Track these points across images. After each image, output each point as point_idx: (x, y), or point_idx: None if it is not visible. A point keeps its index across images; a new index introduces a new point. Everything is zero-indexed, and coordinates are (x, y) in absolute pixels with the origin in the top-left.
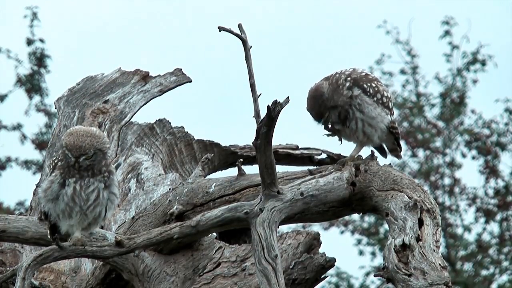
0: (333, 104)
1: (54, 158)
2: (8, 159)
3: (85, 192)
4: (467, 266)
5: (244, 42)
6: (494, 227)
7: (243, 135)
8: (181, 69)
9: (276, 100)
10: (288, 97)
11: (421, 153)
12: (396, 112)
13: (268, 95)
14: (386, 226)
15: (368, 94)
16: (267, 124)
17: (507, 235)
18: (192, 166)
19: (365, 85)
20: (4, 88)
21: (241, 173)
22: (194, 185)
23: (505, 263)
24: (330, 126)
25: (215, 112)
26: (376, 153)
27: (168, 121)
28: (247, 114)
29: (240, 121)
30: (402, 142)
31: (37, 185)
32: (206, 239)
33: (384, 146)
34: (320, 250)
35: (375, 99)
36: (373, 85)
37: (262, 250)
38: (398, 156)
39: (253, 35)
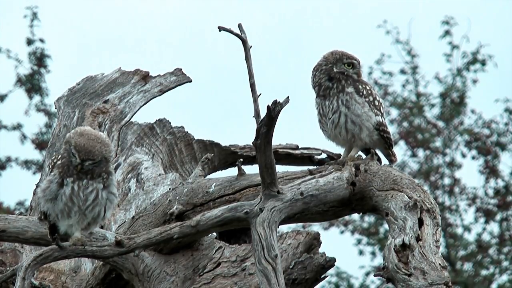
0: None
1: (53, 158)
2: (8, 159)
3: (83, 193)
4: (467, 266)
5: (244, 42)
6: (494, 227)
7: (243, 135)
8: (181, 69)
9: (276, 100)
10: (288, 97)
11: (421, 153)
12: (396, 112)
13: (268, 95)
14: (386, 226)
15: (360, 94)
16: (267, 124)
17: (507, 235)
18: (192, 166)
19: (360, 86)
20: (4, 88)
21: (241, 173)
22: (194, 185)
23: (505, 263)
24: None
25: (215, 112)
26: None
27: (168, 121)
28: (247, 114)
29: (240, 121)
30: (402, 142)
31: (37, 185)
32: (206, 239)
33: (378, 151)
34: (320, 250)
35: (366, 100)
36: (367, 87)
37: (262, 250)
38: (392, 161)
39: (253, 35)
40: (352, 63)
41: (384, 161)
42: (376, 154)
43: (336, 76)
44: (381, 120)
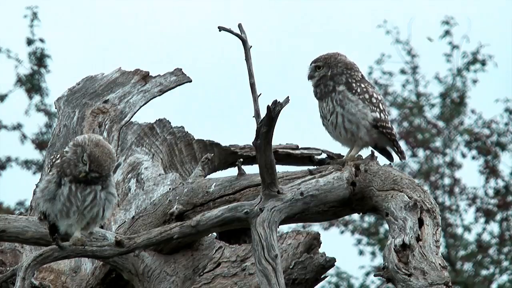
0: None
1: (52, 157)
2: (8, 159)
3: (81, 194)
4: (467, 266)
5: (244, 42)
6: (494, 227)
7: (243, 135)
8: (181, 69)
9: (276, 100)
10: (288, 97)
11: (421, 153)
12: (396, 112)
13: (268, 95)
14: (386, 226)
15: (353, 92)
16: (267, 124)
17: (507, 235)
18: (192, 166)
19: (353, 84)
20: (4, 88)
21: (241, 173)
22: (194, 185)
23: (505, 263)
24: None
25: (215, 112)
26: (377, 154)
27: (168, 121)
28: (247, 114)
29: (240, 121)
30: (401, 142)
31: (37, 185)
32: (206, 239)
33: (389, 149)
34: (320, 250)
35: (360, 97)
36: (363, 85)
37: (262, 250)
38: (401, 158)
39: (253, 35)
40: (317, 66)
41: (384, 161)
42: (387, 152)
43: (321, 82)
44: (378, 116)
